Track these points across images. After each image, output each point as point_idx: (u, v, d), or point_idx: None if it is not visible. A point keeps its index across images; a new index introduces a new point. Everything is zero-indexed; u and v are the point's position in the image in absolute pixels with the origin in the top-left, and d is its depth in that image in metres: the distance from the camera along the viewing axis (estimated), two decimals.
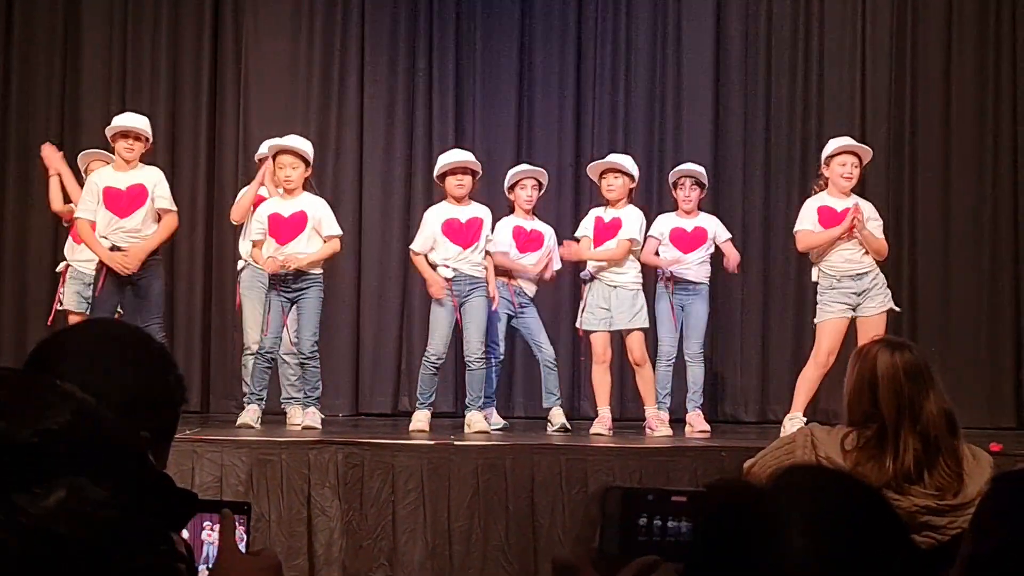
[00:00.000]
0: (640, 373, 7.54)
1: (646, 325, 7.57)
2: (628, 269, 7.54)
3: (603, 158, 7.93)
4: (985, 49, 9.17)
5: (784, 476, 1.34)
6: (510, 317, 7.76)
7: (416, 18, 9.49)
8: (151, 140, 7.43)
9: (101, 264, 7.20)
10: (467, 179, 7.50)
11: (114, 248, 7.18)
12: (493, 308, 7.56)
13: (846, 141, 7.42)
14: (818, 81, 9.32)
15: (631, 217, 7.58)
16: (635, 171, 7.70)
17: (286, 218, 7.38)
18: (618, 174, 7.61)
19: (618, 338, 7.60)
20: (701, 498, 1.44)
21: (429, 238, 7.51)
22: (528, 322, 7.78)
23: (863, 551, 1.26)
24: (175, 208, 7.41)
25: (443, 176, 7.56)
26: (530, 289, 7.84)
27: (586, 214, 7.98)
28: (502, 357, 7.82)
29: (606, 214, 7.62)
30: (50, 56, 9.41)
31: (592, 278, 7.57)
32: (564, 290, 8.83)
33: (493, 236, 7.61)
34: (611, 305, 7.47)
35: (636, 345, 7.50)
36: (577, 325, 7.67)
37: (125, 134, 7.29)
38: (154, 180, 7.30)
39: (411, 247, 7.69)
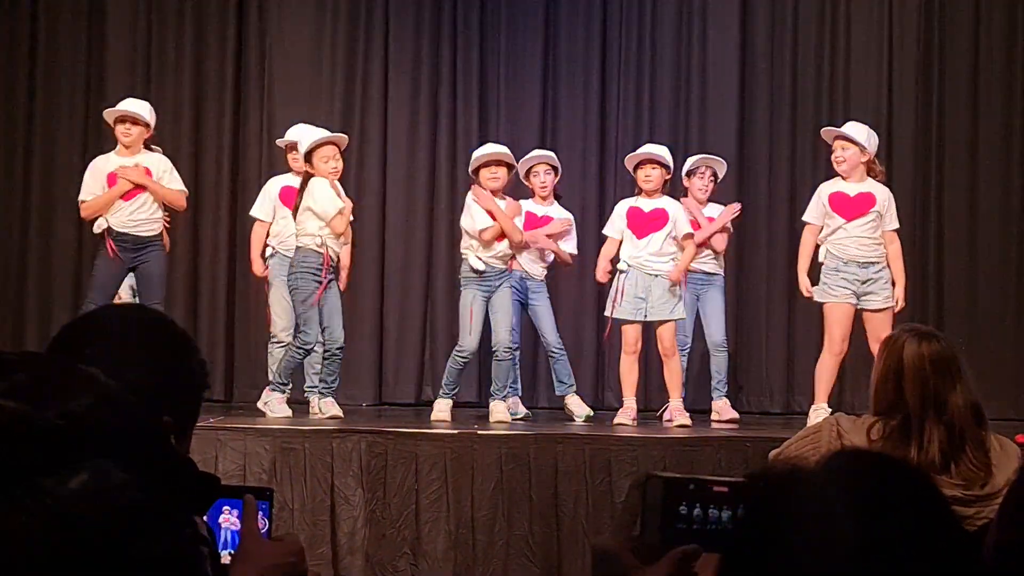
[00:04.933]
0: (668, 364, 7.47)
1: (683, 316, 7.52)
2: (668, 259, 7.47)
3: (635, 149, 7.89)
4: (1014, 37, 9.11)
5: (833, 461, 1.33)
6: (523, 305, 7.71)
7: (440, 7, 9.48)
8: (151, 126, 7.45)
9: (103, 234, 7.31)
10: (501, 171, 7.46)
11: (112, 232, 7.22)
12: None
13: (836, 128, 7.43)
14: (844, 69, 9.26)
15: (677, 211, 7.51)
16: (671, 162, 7.65)
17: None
18: (655, 165, 7.55)
19: (646, 328, 7.54)
20: (744, 487, 1.44)
21: (484, 217, 7.35)
22: (537, 309, 7.71)
23: (914, 535, 1.25)
24: (186, 191, 7.55)
25: (477, 170, 7.53)
26: (538, 273, 7.73)
27: (611, 203, 7.91)
28: (517, 345, 7.73)
29: (646, 204, 7.52)
30: (75, 46, 9.42)
31: (629, 267, 7.46)
32: (588, 279, 8.82)
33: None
34: (649, 295, 7.38)
35: (667, 335, 7.42)
36: (607, 314, 7.53)
37: (122, 119, 7.35)
38: (163, 166, 7.41)
39: (478, 229, 7.34)
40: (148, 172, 7.36)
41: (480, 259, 7.33)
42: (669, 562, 1.47)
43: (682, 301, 7.49)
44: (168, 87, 9.33)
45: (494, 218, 7.33)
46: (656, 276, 7.41)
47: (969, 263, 9.03)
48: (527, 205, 7.78)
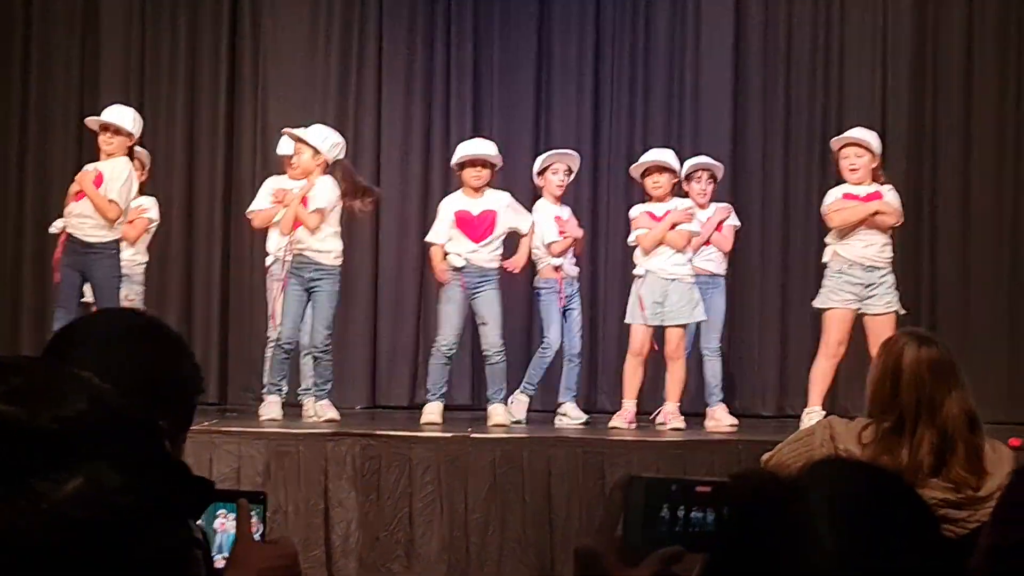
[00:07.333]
0: (672, 367, 7.41)
1: (704, 318, 7.49)
2: (685, 261, 7.43)
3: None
4: (1007, 39, 9.12)
5: (815, 468, 1.33)
6: (566, 309, 7.72)
7: (434, 6, 9.48)
8: (133, 135, 7.35)
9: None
10: (485, 172, 7.49)
11: (66, 234, 7.19)
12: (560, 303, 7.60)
13: (848, 134, 7.37)
14: (839, 70, 9.27)
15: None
16: (677, 166, 7.62)
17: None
18: (663, 171, 7.49)
19: (656, 332, 7.46)
20: (726, 489, 1.44)
21: (444, 230, 7.50)
22: (572, 313, 7.73)
23: (893, 544, 1.25)
24: (120, 204, 7.20)
25: (461, 166, 7.55)
26: (574, 272, 7.77)
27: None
28: (553, 347, 7.67)
29: (658, 209, 7.46)
30: (68, 52, 9.41)
31: (646, 272, 7.41)
32: (583, 282, 8.81)
33: (539, 228, 7.61)
34: (666, 299, 7.33)
35: (675, 338, 7.37)
36: (627, 320, 7.49)
37: (105, 127, 7.30)
38: (114, 174, 7.21)
39: (427, 238, 7.69)
40: (100, 178, 7.22)
41: (460, 256, 7.42)
42: (652, 564, 1.47)
43: (701, 304, 7.45)
44: (162, 91, 9.34)
45: None
46: (673, 280, 7.36)
47: (962, 265, 9.04)
48: (551, 208, 7.70)
